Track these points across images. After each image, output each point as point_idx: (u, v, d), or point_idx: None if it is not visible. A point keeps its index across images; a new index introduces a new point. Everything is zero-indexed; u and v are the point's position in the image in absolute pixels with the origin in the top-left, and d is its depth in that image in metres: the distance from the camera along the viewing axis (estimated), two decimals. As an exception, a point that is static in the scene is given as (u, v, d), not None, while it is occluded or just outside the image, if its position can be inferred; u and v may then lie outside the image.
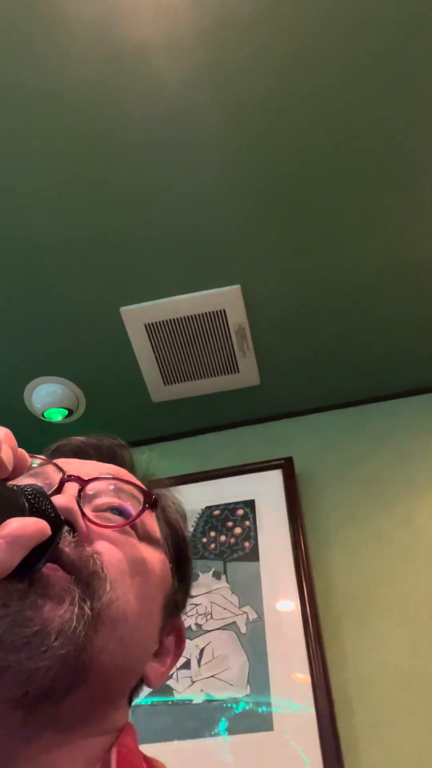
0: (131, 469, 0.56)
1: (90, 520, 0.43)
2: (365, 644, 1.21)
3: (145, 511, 0.47)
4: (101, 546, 0.42)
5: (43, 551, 0.35)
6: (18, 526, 0.33)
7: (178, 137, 1.11)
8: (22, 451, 0.37)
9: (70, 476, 0.45)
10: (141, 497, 0.48)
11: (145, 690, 1.18)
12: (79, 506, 0.43)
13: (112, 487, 0.48)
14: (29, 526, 0.33)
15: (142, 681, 0.48)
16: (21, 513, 0.34)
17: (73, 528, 0.41)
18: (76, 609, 0.37)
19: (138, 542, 0.46)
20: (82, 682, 0.38)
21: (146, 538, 0.48)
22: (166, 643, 0.51)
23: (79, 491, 0.45)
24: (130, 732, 0.44)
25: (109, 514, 0.46)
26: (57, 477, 0.46)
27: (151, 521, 0.49)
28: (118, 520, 0.46)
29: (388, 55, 1.02)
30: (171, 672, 0.52)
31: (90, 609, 0.38)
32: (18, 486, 0.36)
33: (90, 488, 0.46)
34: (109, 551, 0.43)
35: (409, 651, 1.18)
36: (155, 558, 0.48)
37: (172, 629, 0.52)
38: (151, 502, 0.48)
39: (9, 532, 0.32)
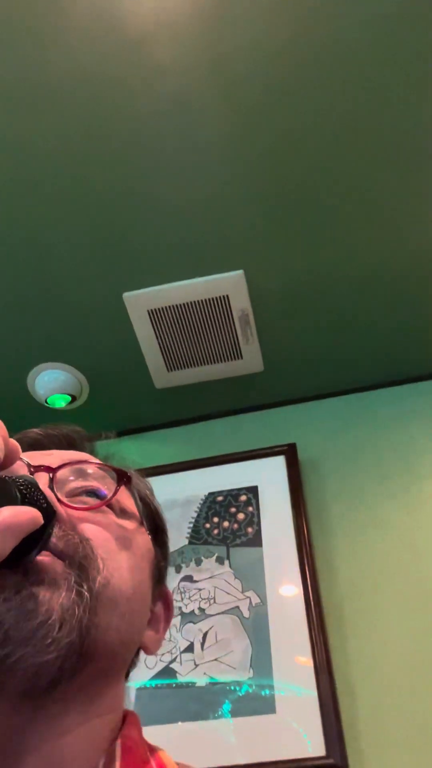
0: (92, 453, 0.56)
1: (68, 505, 0.44)
2: (367, 629, 1.22)
3: (120, 487, 0.48)
4: (85, 528, 0.43)
5: (34, 542, 0.35)
6: (10, 514, 0.33)
7: (179, 124, 1.10)
8: (13, 441, 0.37)
9: (37, 466, 0.46)
10: (114, 476, 0.49)
11: (149, 672, 1.19)
12: (54, 494, 0.44)
13: (83, 470, 0.49)
14: (21, 515, 0.33)
15: (137, 652, 0.50)
16: (13, 503, 0.34)
17: (57, 516, 0.42)
18: (74, 594, 0.38)
19: (118, 519, 0.47)
20: (89, 662, 0.39)
21: (124, 514, 0.49)
22: (156, 611, 0.52)
23: (51, 480, 0.45)
24: (134, 722, 0.45)
25: (84, 497, 0.47)
26: (23, 470, 0.45)
27: (125, 497, 0.50)
28: (93, 501, 0.46)
29: (392, 44, 1.00)
30: (164, 637, 0.53)
31: (88, 591, 0.39)
32: (9, 476, 0.37)
33: (60, 475, 0.47)
34: (95, 532, 0.43)
35: (410, 635, 1.19)
36: (136, 531, 0.49)
37: (159, 596, 0.53)
38: (127, 478, 0.49)
39: (1, 520, 0.32)
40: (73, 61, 1.02)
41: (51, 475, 0.45)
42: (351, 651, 1.19)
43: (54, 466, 0.46)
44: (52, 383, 1.54)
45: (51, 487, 0.44)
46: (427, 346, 1.52)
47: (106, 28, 0.99)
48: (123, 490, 0.50)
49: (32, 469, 0.45)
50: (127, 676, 0.50)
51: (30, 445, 0.55)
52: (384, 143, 1.14)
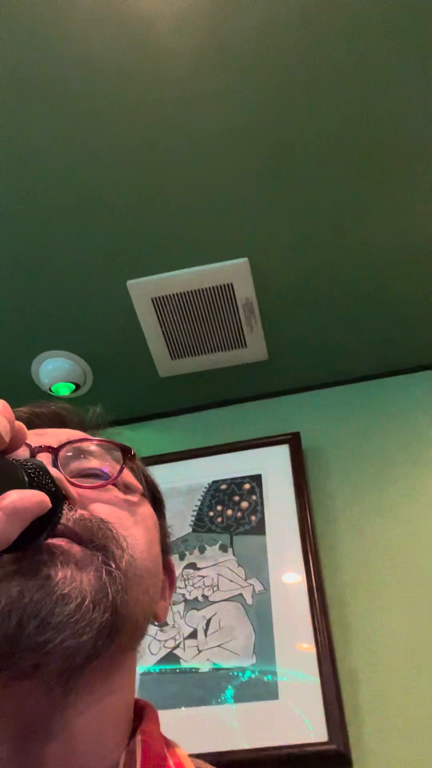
0: (83, 428, 0.55)
1: (77, 485, 0.43)
2: (370, 616, 1.22)
3: (127, 463, 0.48)
4: (99, 508, 0.43)
5: (43, 526, 0.35)
6: (17, 497, 0.32)
7: (183, 108, 1.09)
8: (20, 423, 0.36)
9: (39, 447, 0.45)
10: (117, 452, 0.48)
11: (153, 658, 1.20)
12: (63, 474, 0.43)
13: (81, 449, 0.48)
14: (29, 498, 0.33)
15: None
16: (21, 487, 0.34)
17: (67, 498, 0.41)
18: (104, 575, 0.38)
19: (127, 496, 0.47)
20: (117, 638, 0.39)
21: (129, 489, 0.49)
22: (163, 581, 0.53)
23: (54, 459, 0.44)
24: (153, 717, 0.45)
25: (87, 478, 0.46)
26: (24, 452, 0.45)
27: (127, 472, 0.50)
28: (99, 480, 0.46)
29: (402, 24, 0.99)
30: (170, 604, 0.55)
31: (118, 570, 0.39)
32: (17, 460, 0.36)
33: (62, 455, 0.46)
34: (108, 511, 0.43)
35: (413, 623, 1.19)
36: (145, 506, 0.49)
37: (164, 567, 0.54)
38: (131, 455, 0.49)
39: (8, 504, 0.32)
40: (78, 49, 1.01)
41: (53, 455, 0.45)
42: (353, 637, 1.20)
43: (54, 446, 0.46)
44: (56, 372, 1.54)
45: (57, 468, 0.44)
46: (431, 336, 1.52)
47: (109, 15, 0.98)
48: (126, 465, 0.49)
49: (34, 450, 0.45)
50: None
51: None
52: (392, 129, 1.12)
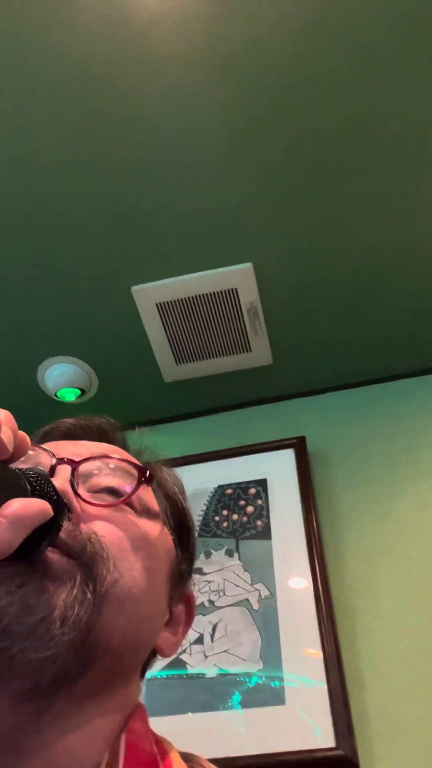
0: (123, 446, 0.55)
1: (85, 501, 0.43)
2: (377, 621, 1.22)
3: (141, 486, 0.47)
4: (99, 526, 0.42)
5: (44, 534, 0.35)
6: (21, 506, 0.32)
7: (187, 115, 1.10)
8: (22, 433, 0.37)
9: (61, 459, 0.45)
10: (135, 473, 0.48)
11: (160, 663, 1.20)
12: (73, 488, 0.43)
13: (105, 466, 0.48)
14: (32, 506, 0.33)
15: (154, 652, 0.49)
16: (23, 495, 0.34)
17: (69, 510, 0.41)
18: (78, 592, 0.37)
19: (137, 518, 0.46)
20: (93, 662, 0.38)
21: (145, 512, 0.47)
22: (176, 613, 0.51)
23: (72, 473, 0.44)
24: (140, 715, 0.44)
25: (104, 495, 0.46)
26: (48, 461, 0.45)
27: (148, 495, 0.49)
28: (113, 499, 0.45)
29: (400, 33, 0.99)
30: (183, 640, 0.52)
31: (92, 592, 0.38)
32: (20, 469, 0.36)
33: (82, 469, 0.46)
34: (108, 530, 0.43)
35: (419, 628, 1.19)
36: (156, 531, 0.47)
37: (181, 598, 0.52)
38: (146, 477, 0.48)
39: (11, 512, 0.32)
40: (77, 54, 1.02)
41: (73, 468, 0.45)
42: (360, 642, 1.20)
43: (78, 459, 0.46)
44: (62, 377, 1.54)
45: (71, 481, 0.44)
46: (437, 339, 1.51)
47: (109, 20, 0.98)
48: (145, 488, 0.48)
49: (55, 461, 0.45)
50: (143, 674, 0.49)
51: (64, 435, 0.54)
52: (393, 135, 1.13)
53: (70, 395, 1.58)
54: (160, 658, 0.51)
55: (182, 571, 0.52)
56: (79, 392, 1.58)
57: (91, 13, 0.98)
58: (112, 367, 1.56)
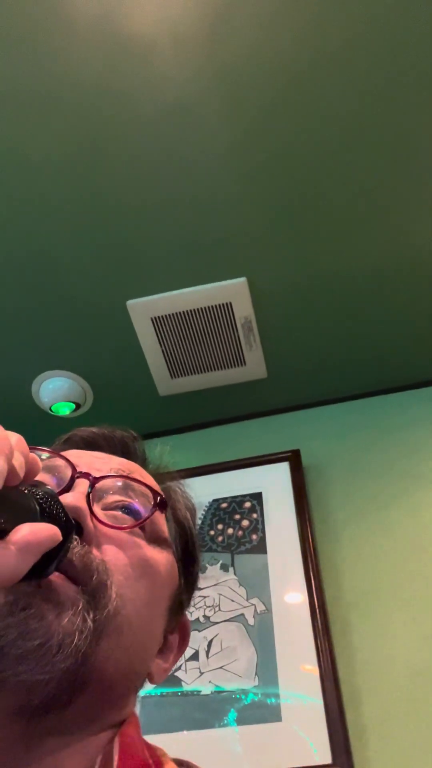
0: (143, 462, 0.55)
1: (99, 520, 0.43)
2: (373, 636, 1.21)
3: (155, 512, 0.47)
4: (109, 549, 0.42)
5: (53, 556, 0.35)
6: (29, 532, 0.32)
7: (182, 132, 1.11)
8: (34, 456, 0.37)
9: (81, 473, 0.45)
10: (151, 497, 0.47)
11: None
12: (89, 505, 0.43)
13: (122, 484, 0.47)
14: (40, 532, 0.32)
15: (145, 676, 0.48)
16: (32, 517, 0.34)
17: (81, 528, 0.41)
18: (79, 620, 0.37)
19: (146, 544, 0.46)
20: (84, 690, 0.38)
21: (154, 539, 0.47)
22: (170, 640, 0.51)
23: (90, 488, 0.44)
24: (132, 721, 0.44)
25: (118, 513, 0.45)
26: (68, 472, 0.45)
27: (160, 521, 0.49)
28: (127, 519, 0.45)
29: (393, 48, 1.01)
30: (173, 667, 0.52)
31: (93, 621, 0.38)
32: (30, 489, 0.36)
33: (100, 485, 0.46)
34: (116, 555, 0.42)
35: (416, 643, 1.18)
36: (163, 559, 0.47)
37: (176, 626, 0.51)
38: (161, 503, 0.48)
39: (20, 538, 0.31)
40: (76, 71, 1.03)
41: (91, 483, 0.45)
42: (357, 659, 1.19)
43: (98, 473, 0.46)
44: (57, 391, 1.54)
45: (87, 498, 0.43)
46: (431, 352, 1.52)
47: (108, 37, 1.00)
48: (158, 513, 0.48)
49: (75, 474, 0.45)
50: (135, 693, 0.48)
51: (84, 442, 0.54)
52: (386, 149, 1.14)
53: (64, 409, 1.57)
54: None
55: (182, 600, 0.52)
56: (74, 406, 1.57)
57: (88, 34, 0.99)
58: (107, 381, 1.56)
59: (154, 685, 1.22)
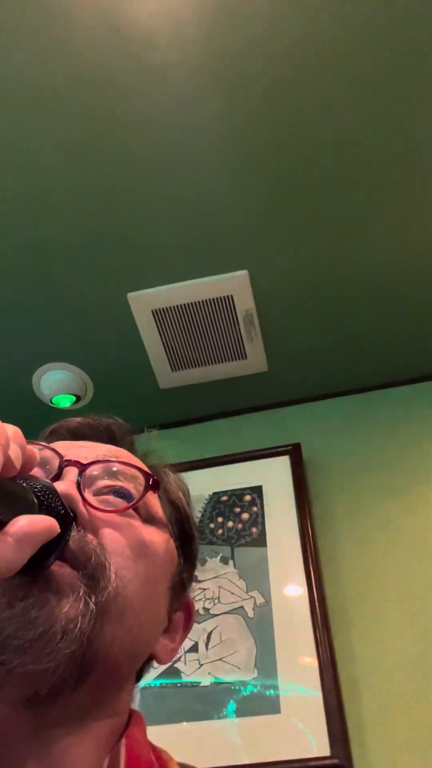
0: (131, 448, 0.55)
1: (91, 506, 0.43)
2: (372, 629, 1.21)
3: (147, 492, 0.47)
4: (104, 533, 0.42)
5: (51, 548, 0.35)
6: (26, 523, 0.32)
7: (183, 124, 1.10)
8: (31, 448, 0.36)
9: (68, 461, 0.45)
10: (142, 478, 0.47)
11: (154, 672, 1.19)
12: (80, 491, 0.43)
13: (113, 469, 0.47)
14: (38, 524, 0.32)
15: (150, 658, 0.49)
16: (30, 510, 0.34)
17: (75, 515, 0.41)
18: (81, 605, 0.37)
19: (141, 524, 0.46)
20: (91, 673, 0.38)
21: (149, 519, 0.47)
22: (175, 620, 0.51)
23: (79, 475, 0.44)
24: (138, 722, 0.44)
25: (110, 497, 0.45)
26: (56, 463, 0.45)
27: (153, 502, 0.49)
28: (119, 502, 0.45)
29: (395, 43, 1.00)
30: (180, 647, 0.52)
31: (95, 604, 0.38)
32: (27, 482, 0.36)
33: (89, 471, 0.46)
34: (113, 537, 0.42)
35: (415, 636, 1.18)
36: (159, 539, 0.47)
37: (180, 605, 0.52)
38: (153, 484, 0.48)
39: (17, 530, 0.31)
40: (76, 64, 1.02)
41: (80, 470, 0.44)
42: (355, 651, 1.19)
43: (85, 461, 0.45)
44: (57, 383, 1.54)
45: (78, 484, 0.43)
46: (431, 347, 1.52)
47: (108, 31, 0.99)
48: (150, 494, 0.48)
49: (63, 462, 0.45)
50: (138, 679, 0.49)
51: (70, 433, 0.54)
52: (387, 142, 1.13)
53: (65, 401, 1.57)
54: (155, 665, 0.51)
55: (183, 579, 0.51)
56: (74, 398, 1.57)
57: (88, 27, 0.98)
58: (107, 373, 1.56)
59: (154, 676, 1.23)
